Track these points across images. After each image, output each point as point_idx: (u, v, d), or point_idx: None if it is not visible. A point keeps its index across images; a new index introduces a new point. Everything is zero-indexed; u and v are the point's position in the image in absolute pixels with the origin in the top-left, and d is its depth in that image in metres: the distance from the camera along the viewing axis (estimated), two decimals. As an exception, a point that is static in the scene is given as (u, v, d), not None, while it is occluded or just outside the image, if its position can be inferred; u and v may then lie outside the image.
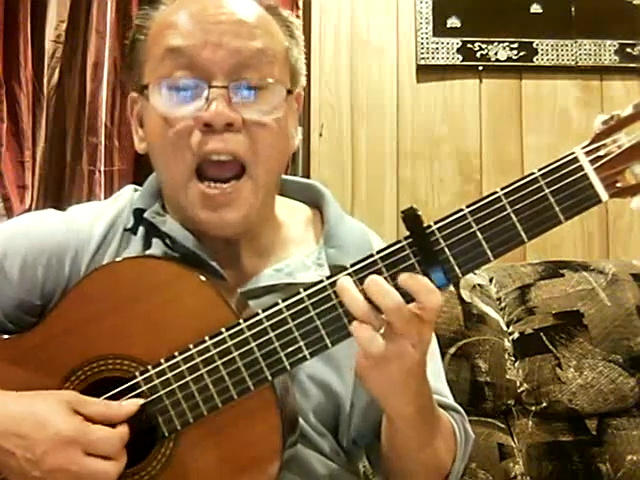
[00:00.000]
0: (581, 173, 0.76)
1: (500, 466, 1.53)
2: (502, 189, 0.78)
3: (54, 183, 2.07)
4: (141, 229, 0.98)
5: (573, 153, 0.77)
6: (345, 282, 0.78)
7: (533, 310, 1.62)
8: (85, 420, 0.82)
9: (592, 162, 0.76)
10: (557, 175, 0.77)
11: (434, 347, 1.05)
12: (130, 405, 0.84)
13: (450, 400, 1.03)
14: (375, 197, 2.20)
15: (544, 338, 1.59)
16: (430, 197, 2.21)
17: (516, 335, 1.61)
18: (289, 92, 0.95)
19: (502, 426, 1.58)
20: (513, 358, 1.60)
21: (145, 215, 0.98)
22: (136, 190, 1.05)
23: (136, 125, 1.00)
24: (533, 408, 1.59)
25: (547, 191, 0.77)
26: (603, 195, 0.76)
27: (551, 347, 1.59)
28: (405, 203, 2.19)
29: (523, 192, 0.77)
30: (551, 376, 1.58)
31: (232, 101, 0.88)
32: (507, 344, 1.60)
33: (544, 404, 1.57)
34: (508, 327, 1.63)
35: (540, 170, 0.78)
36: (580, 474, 1.54)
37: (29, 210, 1.97)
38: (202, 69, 0.89)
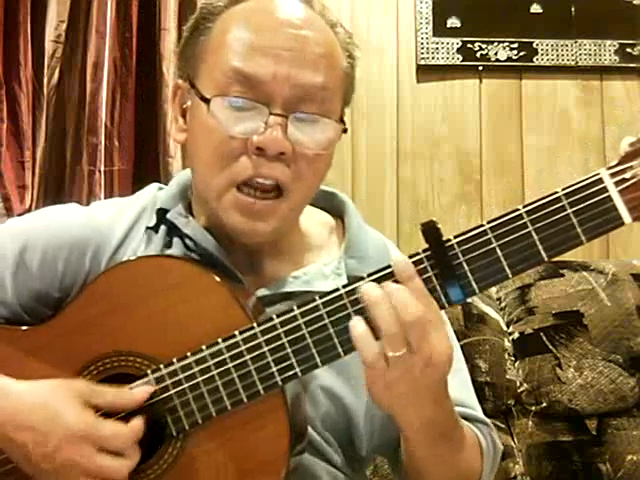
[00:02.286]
0: (605, 194, 0.75)
1: (500, 466, 1.52)
2: (524, 207, 0.77)
3: (54, 183, 2.07)
4: (163, 228, 0.99)
5: (598, 174, 0.76)
6: (375, 295, 0.77)
7: (533, 310, 1.62)
8: (97, 411, 0.83)
9: (617, 184, 0.75)
10: (581, 195, 0.76)
11: (459, 358, 1.03)
12: (141, 392, 0.85)
13: (477, 412, 1.01)
14: (375, 197, 2.20)
15: (544, 338, 1.60)
16: (430, 197, 2.21)
17: (516, 335, 1.61)
18: (344, 131, 0.95)
19: (502, 426, 1.58)
20: (513, 358, 1.60)
21: (168, 216, 0.98)
22: (160, 189, 1.05)
23: (177, 113, 0.99)
24: (533, 408, 1.59)
25: (570, 211, 0.76)
26: (626, 218, 0.75)
27: (551, 347, 1.59)
28: (405, 203, 2.19)
29: (545, 211, 0.77)
30: (551, 376, 1.58)
31: (287, 131, 0.88)
32: (507, 344, 1.60)
33: (544, 404, 1.58)
34: (508, 327, 1.63)
35: (564, 190, 0.77)
36: (580, 474, 1.54)
37: (29, 210, 1.97)
38: (265, 95, 0.89)
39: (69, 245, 0.96)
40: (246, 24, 0.91)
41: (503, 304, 1.65)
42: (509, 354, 1.59)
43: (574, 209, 0.76)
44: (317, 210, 1.07)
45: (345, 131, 0.96)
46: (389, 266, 0.79)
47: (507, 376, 1.57)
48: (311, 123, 0.91)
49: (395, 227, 2.16)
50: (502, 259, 0.77)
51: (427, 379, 0.78)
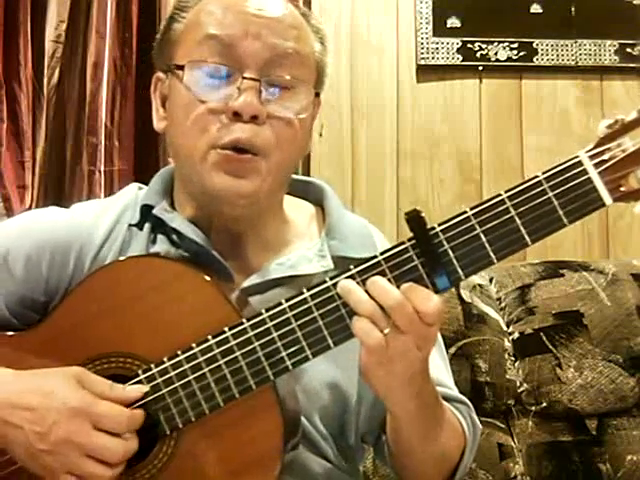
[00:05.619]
0: (585, 177, 0.76)
1: (500, 466, 1.53)
2: (506, 192, 0.78)
3: (54, 183, 2.07)
4: (147, 225, 0.99)
5: (577, 157, 0.77)
6: (348, 284, 0.79)
7: (533, 310, 1.62)
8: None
9: (596, 166, 0.76)
10: (561, 179, 0.77)
11: (438, 340, 1.05)
12: (134, 391, 0.85)
13: (455, 392, 1.03)
14: (375, 197, 2.20)
15: (544, 338, 1.60)
16: (430, 197, 2.21)
17: (516, 335, 1.61)
18: (317, 95, 0.98)
19: (502, 426, 1.58)
20: (513, 358, 1.60)
21: (154, 211, 0.99)
22: (140, 188, 1.06)
23: (158, 104, 1.01)
24: (533, 408, 1.59)
25: (551, 194, 0.77)
26: (607, 199, 0.76)
27: (551, 347, 1.59)
28: (405, 203, 2.19)
29: (527, 195, 0.78)
30: (551, 376, 1.58)
31: (262, 95, 0.91)
32: (507, 344, 1.60)
33: (544, 404, 1.58)
34: (508, 327, 1.63)
35: (544, 173, 0.78)
36: (580, 474, 1.54)
37: (29, 210, 1.97)
38: (238, 59, 0.91)
39: (52, 248, 0.96)
40: (219, 3, 0.95)
41: (503, 304, 1.65)
42: (509, 354, 1.59)
43: (555, 192, 0.77)
44: (298, 200, 1.08)
45: (318, 95, 0.98)
46: (375, 256, 0.80)
47: (507, 376, 1.57)
48: (284, 88, 0.93)
49: (395, 227, 2.16)
50: (486, 245, 0.78)
51: (419, 355, 0.79)
